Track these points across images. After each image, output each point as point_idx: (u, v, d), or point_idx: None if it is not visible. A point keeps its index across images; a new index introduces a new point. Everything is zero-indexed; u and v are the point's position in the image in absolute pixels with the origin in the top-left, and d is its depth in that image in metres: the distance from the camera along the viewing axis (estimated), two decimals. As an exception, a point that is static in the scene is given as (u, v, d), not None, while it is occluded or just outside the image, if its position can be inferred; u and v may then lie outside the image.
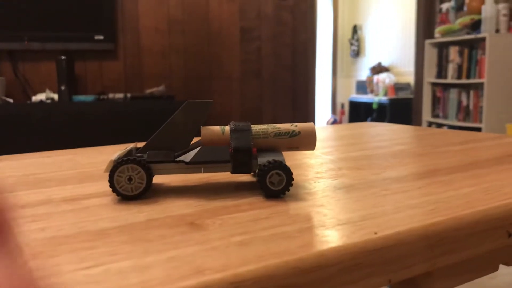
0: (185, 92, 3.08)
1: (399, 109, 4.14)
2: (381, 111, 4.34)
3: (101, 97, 2.68)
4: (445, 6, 3.50)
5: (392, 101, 4.19)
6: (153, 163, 0.40)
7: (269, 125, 0.42)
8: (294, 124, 0.42)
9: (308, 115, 3.40)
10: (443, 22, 3.47)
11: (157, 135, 0.41)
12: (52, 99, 2.61)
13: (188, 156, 0.40)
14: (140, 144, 0.49)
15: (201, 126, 0.41)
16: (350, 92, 5.15)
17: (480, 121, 3.14)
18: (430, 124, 3.60)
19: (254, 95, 3.26)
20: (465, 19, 3.22)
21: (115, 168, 0.38)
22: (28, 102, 2.66)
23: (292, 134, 0.41)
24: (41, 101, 2.58)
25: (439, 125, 3.48)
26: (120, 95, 2.70)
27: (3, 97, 2.57)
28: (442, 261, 0.32)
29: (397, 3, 4.50)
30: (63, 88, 2.60)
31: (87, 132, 2.50)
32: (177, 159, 0.40)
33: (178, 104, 2.68)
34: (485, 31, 3.08)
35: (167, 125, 0.41)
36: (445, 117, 3.50)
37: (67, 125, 2.47)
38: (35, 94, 2.72)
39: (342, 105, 5.29)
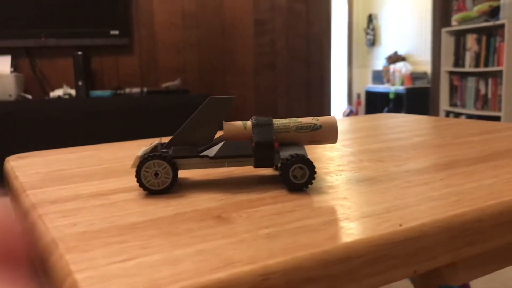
0: (200, 86, 3.10)
1: (416, 98, 4.11)
2: (397, 100, 4.30)
3: (118, 92, 2.70)
4: (462, -7, 3.45)
5: (408, 90, 4.16)
6: (178, 158, 0.40)
7: (291, 119, 0.42)
8: (316, 117, 0.42)
9: (324, 107, 3.39)
10: (460, 9, 3.42)
11: (181, 131, 0.41)
12: (70, 94, 2.65)
13: (212, 151, 0.41)
14: (165, 139, 0.50)
15: (223, 121, 0.42)
16: (366, 82, 5.12)
17: (499, 110, 3.10)
18: (447, 113, 3.57)
19: (268, 88, 3.26)
20: (483, 6, 3.17)
21: (141, 164, 0.39)
22: (46, 98, 2.70)
23: (314, 128, 0.42)
24: (59, 96, 2.62)
25: (457, 114, 3.44)
26: (136, 90, 2.73)
27: (22, 93, 2.61)
28: (465, 252, 0.33)
29: (413, -9, 4.44)
30: (80, 83, 2.63)
31: (105, 126, 2.53)
32: (201, 154, 0.41)
33: (194, 98, 2.70)
34: (504, 18, 3.03)
35: (190, 120, 0.41)
36: (463, 106, 3.46)
37: (84, 120, 2.50)
38: (52, 90, 2.76)
39: (358, 96, 5.26)
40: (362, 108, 5.13)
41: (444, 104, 3.59)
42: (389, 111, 4.43)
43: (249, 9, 3.16)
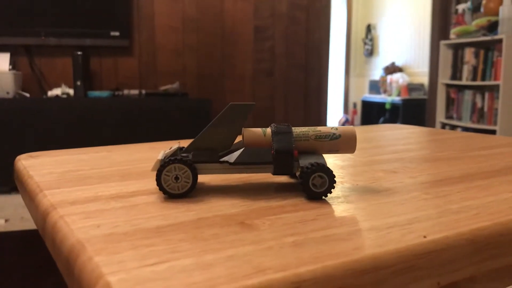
0: (198, 90, 3.10)
1: (412, 109, 4.13)
2: (393, 111, 4.33)
3: (116, 93, 2.70)
4: (461, 7, 3.49)
5: (405, 101, 4.19)
6: (198, 163, 0.41)
7: (310, 127, 0.43)
8: (335, 127, 0.43)
9: (320, 114, 3.41)
10: (459, 23, 3.45)
11: (201, 136, 0.42)
12: (68, 94, 2.64)
13: (232, 157, 0.41)
14: (184, 143, 0.50)
15: (243, 128, 0.42)
16: (363, 91, 5.14)
17: (495, 123, 3.13)
18: (443, 125, 3.59)
19: (266, 94, 3.26)
20: (482, 21, 3.21)
21: (162, 167, 0.39)
22: (44, 96, 2.69)
23: (333, 137, 0.42)
24: (57, 96, 2.61)
25: (453, 127, 3.47)
26: (135, 92, 2.73)
27: (20, 91, 2.60)
28: (487, 265, 0.33)
29: (412, 3, 4.48)
30: (78, 83, 2.63)
31: (102, 127, 2.52)
32: (221, 159, 0.41)
33: (192, 101, 2.70)
34: (502, 32, 3.06)
35: (210, 126, 0.42)
36: (459, 118, 3.49)
37: (82, 120, 2.49)
38: (51, 89, 2.75)
39: (355, 105, 5.28)
40: (358, 117, 5.15)
41: (440, 116, 3.62)
42: (385, 121, 4.45)
43: (250, 15, 3.17)
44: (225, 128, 0.42)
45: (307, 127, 0.43)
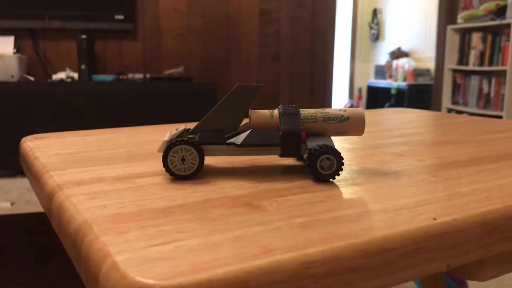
0: (203, 74, 3.09)
1: (418, 95, 4.11)
2: (399, 96, 4.30)
3: (121, 77, 2.69)
4: (469, -9, 3.44)
5: (410, 87, 4.16)
6: (205, 144, 0.40)
7: (318, 109, 0.42)
8: (343, 109, 0.42)
9: (325, 99, 3.39)
10: (466, 7, 3.41)
11: (207, 117, 0.41)
12: (72, 78, 2.63)
13: (239, 139, 0.41)
14: (190, 125, 0.49)
15: (250, 110, 0.42)
16: (368, 76, 5.11)
17: (501, 109, 3.10)
18: (449, 111, 3.57)
19: (271, 78, 3.25)
20: (490, 5, 3.16)
21: (169, 149, 0.38)
22: (49, 80, 2.68)
23: (341, 119, 0.42)
24: (61, 79, 2.60)
25: (459, 112, 3.45)
26: (139, 76, 2.71)
27: (24, 75, 2.60)
28: (496, 248, 0.33)
29: (419, -13, 4.42)
30: (83, 67, 2.62)
31: (107, 111, 2.52)
32: (228, 141, 0.41)
33: (197, 86, 2.69)
34: (510, 17, 3.02)
35: (217, 107, 0.41)
36: (465, 104, 3.46)
37: (86, 104, 2.49)
38: (55, 72, 2.75)
39: (360, 90, 5.25)
40: (363, 102, 5.13)
41: (446, 101, 3.59)
42: (390, 106, 4.43)
43: (255, -1, 3.14)
44: (232, 110, 0.41)
45: (315, 109, 0.42)
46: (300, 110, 0.42)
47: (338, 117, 0.42)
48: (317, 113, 0.42)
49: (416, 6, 4.47)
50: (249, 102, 0.41)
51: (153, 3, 2.93)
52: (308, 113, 0.42)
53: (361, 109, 0.42)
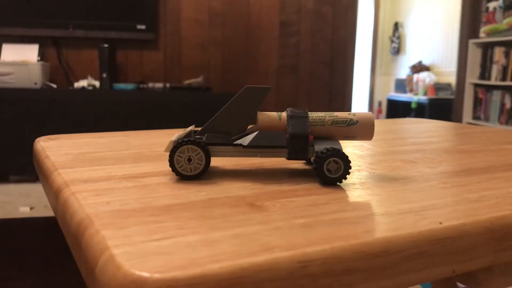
0: (222, 85, 3.10)
1: (439, 109, 4.06)
2: (419, 110, 4.26)
3: (141, 86, 2.72)
4: (492, 5, 3.40)
5: (431, 101, 4.11)
6: (212, 145, 0.40)
7: (326, 113, 0.42)
8: (352, 112, 0.42)
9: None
10: (489, 21, 3.37)
11: (215, 119, 0.41)
12: (94, 86, 2.67)
13: (246, 140, 0.40)
14: (198, 128, 0.49)
15: (258, 111, 0.42)
16: (388, 90, 5.07)
17: (524, 125, 3.05)
18: (470, 126, 3.52)
19: (290, 90, 3.25)
20: (513, 19, 3.12)
21: (175, 149, 0.38)
22: (71, 88, 2.73)
23: (350, 123, 0.41)
24: (83, 87, 2.65)
25: (480, 128, 3.39)
26: (159, 85, 2.74)
27: (47, 82, 2.65)
28: (505, 256, 0.32)
29: (441, 1, 4.39)
30: (104, 75, 2.66)
31: (127, 119, 2.55)
32: (235, 142, 0.41)
33: (216, 96, 2.70)
34: (534, 32, 2.98)
35: (225, 109, 0.41)
36: (487, 119, 3.41)
37: (107, 112, 2.52)
38: (77, 80, 2.80)
39: (380, 103, 5.21)
40: (383, 116, 5.09)
41: (467, 116, 3.54)
42: (410, 120, 4.38)
43: (276, 11, 3.16)
44: (240, 112, 0.41)
45: (323, 112, 0.42)
46: (309, 113, 0.42)
47: (347, 121, 0.41)
48: (325, 116, 0.41)
49: (438, 20, 4.44)
50: (257, 104, 0.41)
51: (175, 13, 2.97)
52: (317, 116, 0.41)
53: (370, 113, 0.42)
